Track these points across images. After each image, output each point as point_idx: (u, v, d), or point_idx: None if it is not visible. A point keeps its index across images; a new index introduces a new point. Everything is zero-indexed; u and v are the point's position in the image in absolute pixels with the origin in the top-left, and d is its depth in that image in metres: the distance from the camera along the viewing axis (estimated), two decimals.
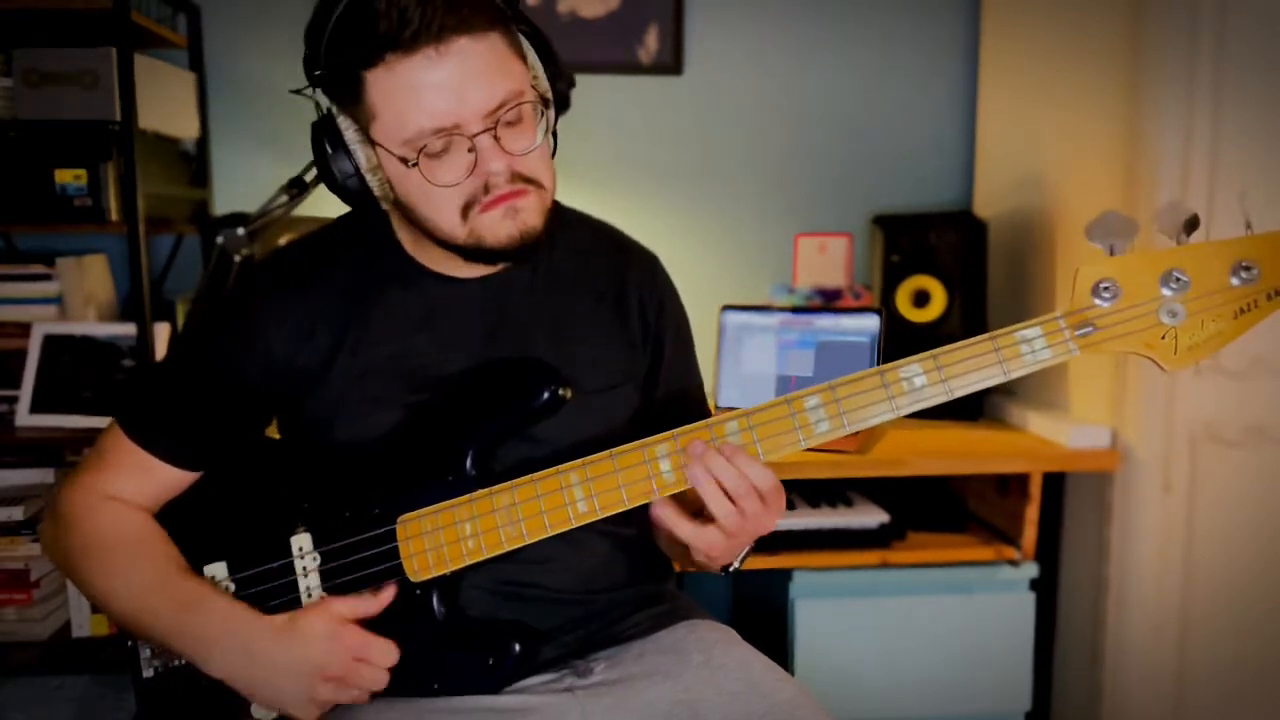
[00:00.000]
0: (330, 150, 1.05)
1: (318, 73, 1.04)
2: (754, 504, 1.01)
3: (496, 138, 1.00)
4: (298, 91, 1.06)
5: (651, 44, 2.35)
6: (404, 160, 1.01)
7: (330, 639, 1.03)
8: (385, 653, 1.04)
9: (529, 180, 1.04)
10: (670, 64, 2.36)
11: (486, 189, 1.02)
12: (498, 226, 1.04)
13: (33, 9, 1.86)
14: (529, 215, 1.05)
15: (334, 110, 1.05)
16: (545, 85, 1.08)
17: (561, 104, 1.10)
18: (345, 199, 1.09)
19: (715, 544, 1.04)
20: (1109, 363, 1.90)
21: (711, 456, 1.00)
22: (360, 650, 1.03)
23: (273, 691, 1.04)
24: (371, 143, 1.03)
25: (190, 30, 2.22)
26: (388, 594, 1.07)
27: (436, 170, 1.01)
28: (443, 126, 0.99)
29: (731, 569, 1.12)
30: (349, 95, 1.02)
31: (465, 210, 1.03)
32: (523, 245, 1.06)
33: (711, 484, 1.00)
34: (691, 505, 1.06)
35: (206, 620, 1.05)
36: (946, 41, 2.45)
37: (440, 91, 0.98)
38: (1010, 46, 2.29)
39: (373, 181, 1.07)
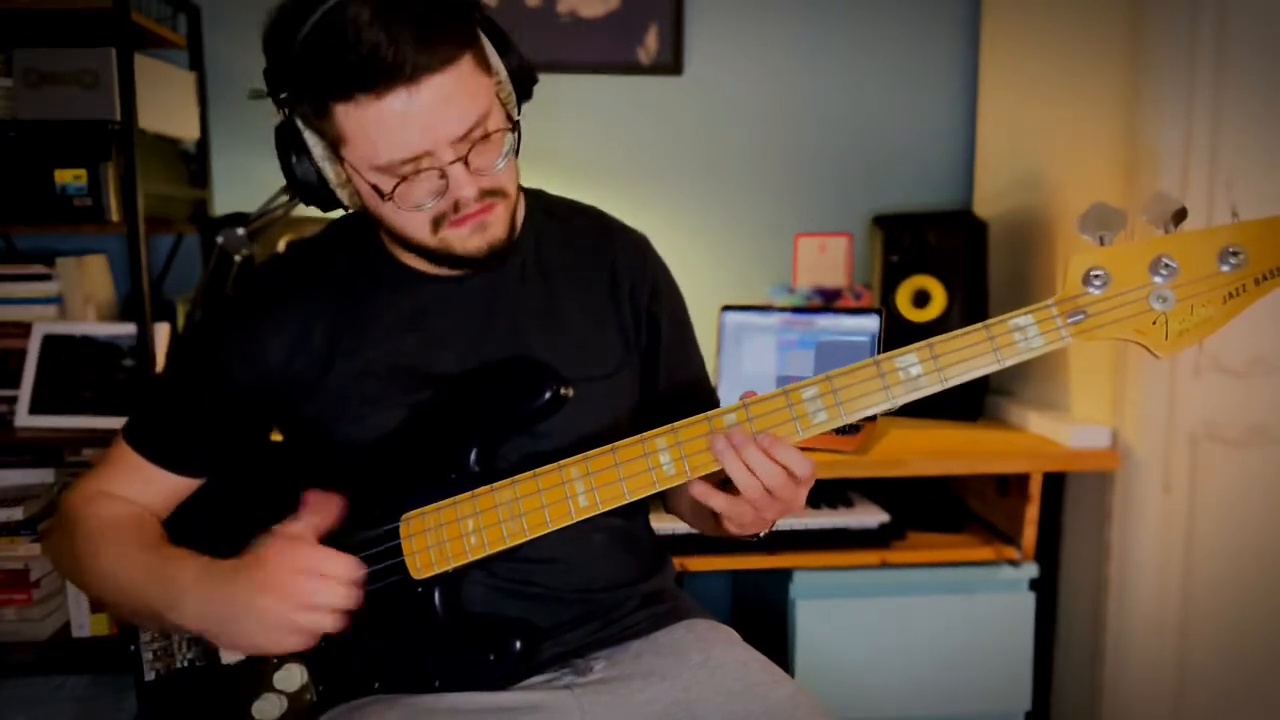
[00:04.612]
0: (295, 159, 1.06)
1: (283, 95, 1.03)
2: (787, 490, 1.03)
3: (466, 163, 1.01)
4: (259, 95, 1.05)
5: (651, 44, 2.35)
6: (376, 188, 1.02)
7: (280, 554, 1.00)
8: (343, 566, 1.00)
9: (496, 192, 1.06)
10: (670, 64, 2.36)
11: (456, 207, 1.04)
12: (467, 240, 1.07)
13: (33, 9, 1.86)
14: (497, 228, 1.08)
15: (299, 122, 1.04)
16: (509, 89, 1.08)
17: (524, 96, 1.11)
18: (314, 204, 1.10)
19: (745, 515, 1.06)
20: (1109, 362, 1.90)
21: (750, 451, 1.01)
22: (314, 563, 1.00)
23: (237, 626, 1.00)
24: (340, 159, 1.04)
25: (190, 30, 2.22)
26: (330, 502, 1.06)
27: (407, 194, 1.03)
28: (413, 156, 1.00)
29: (762, 535, 1.14)
30: (316, 116, 1.02)
31: (435, 225, 1.05)
32: (491, 255, 1.09)
33: (744, 472, 1.01)
34: (720, 475, 1.06)
35: (180, 573, 1.04)
36: (946, 41, 2.45)
37: (411, 126, 0.98)
38: (1010, 46, 2.30)
39: (342, 195, 1.08)
